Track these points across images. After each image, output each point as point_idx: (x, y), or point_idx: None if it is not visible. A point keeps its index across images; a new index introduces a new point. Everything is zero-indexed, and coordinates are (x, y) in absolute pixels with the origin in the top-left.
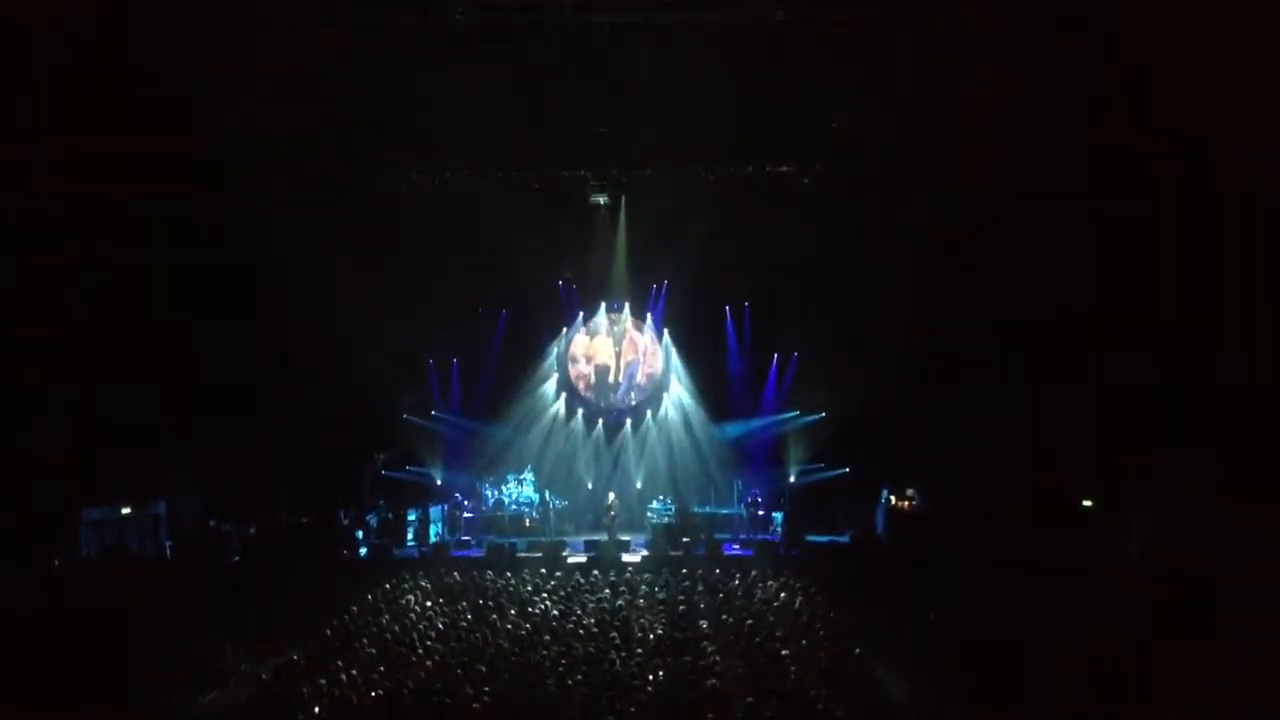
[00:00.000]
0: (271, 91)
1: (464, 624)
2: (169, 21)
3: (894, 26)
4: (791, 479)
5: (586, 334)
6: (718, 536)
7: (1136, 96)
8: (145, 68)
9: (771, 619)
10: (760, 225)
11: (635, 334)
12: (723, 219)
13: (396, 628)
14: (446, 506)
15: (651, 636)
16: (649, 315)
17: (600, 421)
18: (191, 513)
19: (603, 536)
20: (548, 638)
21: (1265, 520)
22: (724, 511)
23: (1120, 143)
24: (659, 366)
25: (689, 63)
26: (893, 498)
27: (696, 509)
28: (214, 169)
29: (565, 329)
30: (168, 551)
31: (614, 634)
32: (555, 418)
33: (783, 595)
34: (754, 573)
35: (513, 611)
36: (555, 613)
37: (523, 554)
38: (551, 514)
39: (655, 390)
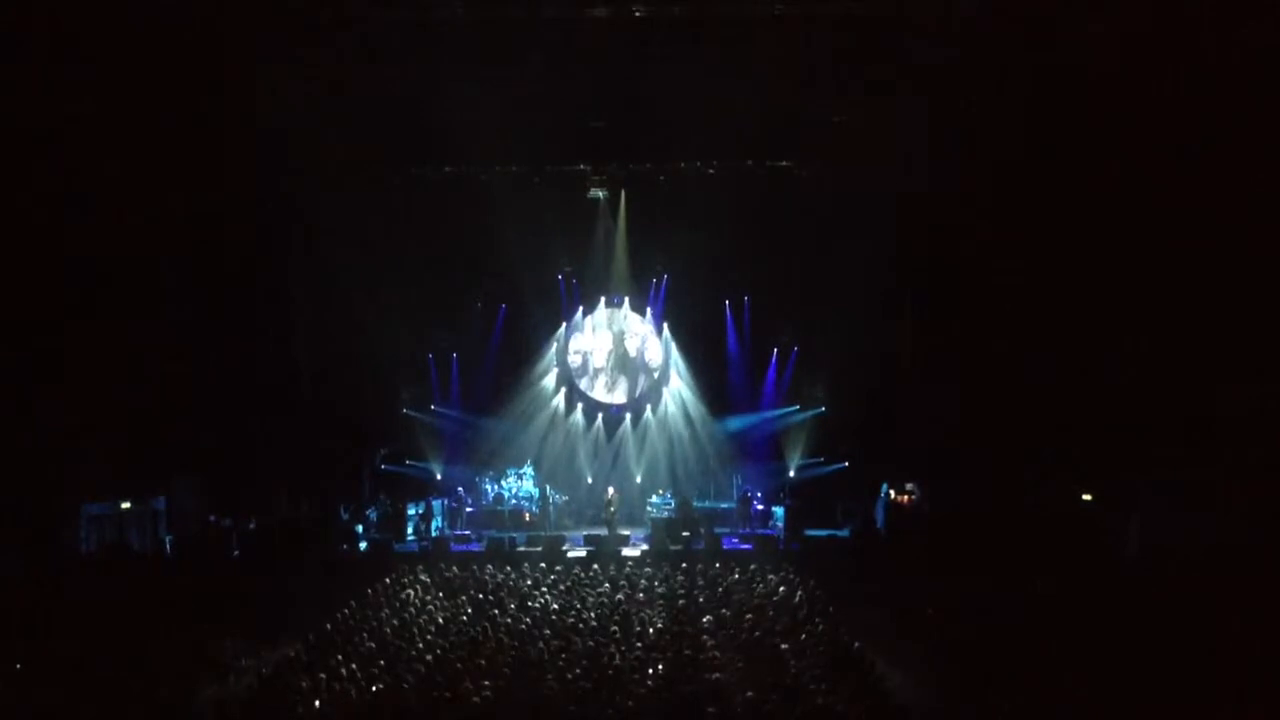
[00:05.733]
0: (270, 90)
1: (464, 618)
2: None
3: (893, 21)
4: (791, 473)
5: (590, 326)
6: (717, 531)
7: (1139, 89)
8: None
9: (771, 613)
10: (759, 219)
11: (636, 324)
12: (722, 213)
13: (396, 622)
14: (446, 501)
15: (651, 631)
16: (649, 309)
17: (600, 416)
18: (191, 508)
19: (602, 531)
20: (547, 632)
21: (1263, 519)
22: (724, 506)
23: (1120, 141)
24: (659, 353)
25: (688, 57)
26: (892, 492)
27: (696, 503)
28: (214, 167)
29: (565, 323)
30: (168, 546)
31: (614, 628)
32: (555, 412)
33: (782, 589)
34: (754, 567)
35: (512, 606)
36: (555, 607)
37: (522, 548)
38: (551, 508)
39: (655, 384)
